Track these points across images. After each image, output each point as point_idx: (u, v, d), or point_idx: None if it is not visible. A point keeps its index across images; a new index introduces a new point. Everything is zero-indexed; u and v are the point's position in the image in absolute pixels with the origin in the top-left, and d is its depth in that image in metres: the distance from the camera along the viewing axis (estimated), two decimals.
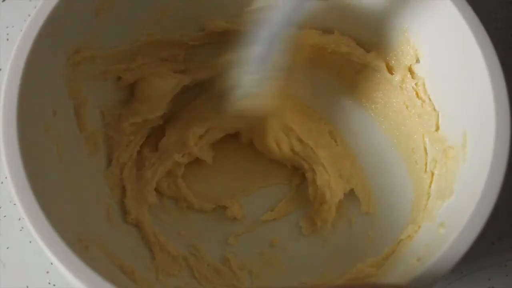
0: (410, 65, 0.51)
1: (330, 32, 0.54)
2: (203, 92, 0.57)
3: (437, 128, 0.49)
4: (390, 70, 0.53)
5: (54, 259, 0.39)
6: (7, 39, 0.61)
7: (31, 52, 0.43)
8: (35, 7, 0.44)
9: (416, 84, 0.51)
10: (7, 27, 0.62)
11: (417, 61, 0.50)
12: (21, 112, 0.42)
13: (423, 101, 0.50)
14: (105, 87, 0.52)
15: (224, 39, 0.55)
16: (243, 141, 0.57)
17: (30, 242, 0.55)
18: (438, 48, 0.48)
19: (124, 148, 0.53)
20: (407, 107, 0.52)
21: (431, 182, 0.49)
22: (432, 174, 0.49)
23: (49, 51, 0.44)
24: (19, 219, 0.56)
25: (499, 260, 0.55)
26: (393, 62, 0.52)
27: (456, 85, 0.46)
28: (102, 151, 0.52)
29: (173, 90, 0.54)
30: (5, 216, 0.56)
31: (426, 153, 0.51)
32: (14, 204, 0.55)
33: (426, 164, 0.50)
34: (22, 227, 0.55)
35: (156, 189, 0.55)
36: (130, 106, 0.54)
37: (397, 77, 0.52)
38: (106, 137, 0.52)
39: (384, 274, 0.46)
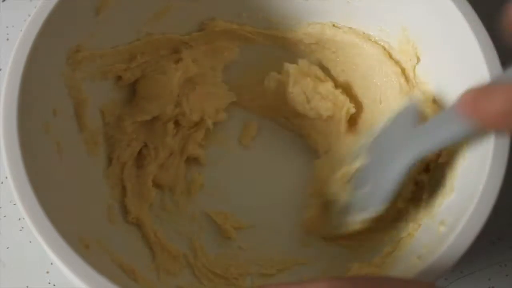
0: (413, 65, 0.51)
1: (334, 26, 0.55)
2: None
3: None
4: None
5: (55, 258, 0.39)
6: (7, 39, 0.61)
7: (31, 51, 0.43)
8: (35, 7, 0.44)
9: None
10: (7, 27, 0.62)
11: (418, 60, 0.51)
12: (21, 112, 0.42)
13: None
14: (105, 86, 0.52)
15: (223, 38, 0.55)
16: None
17: (30, 242, 0.55)
18: (438, 46, 0.48)
19: (124, 148, 0.53)
20: None
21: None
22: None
23: (49, 51, 0.45)
24: (19, 219, 0.56)
25: (499, 260, 0.55)
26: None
27: (456, 84, 0.46)
28: (103, 150, 0.52)
29: (178, 82, 0.54)
30: (5, 216, 0.56)
31: None
32: (14, 204, 0.55)
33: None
34: (22, 227, 0.55)
35: (156, 184, 0.55)
36: (135, 104, 0.54)
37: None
38: (107, 136, 0.52)
39: (385, 272, 0.46)
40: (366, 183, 0.49)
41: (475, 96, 0.38)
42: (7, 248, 0.55)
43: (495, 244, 0.56)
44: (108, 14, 0.48)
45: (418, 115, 0.47)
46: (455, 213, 0.42)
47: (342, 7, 0.53)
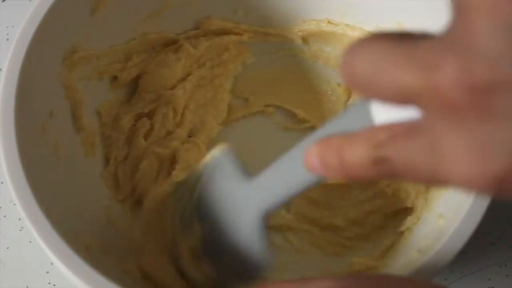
0: None
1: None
2: None
3: None
4: None
5: (55, 259, 0.39)
6: (7, 39, 0.61)
7: (27, 52, 0.43)
8: None
9: None
10: (7, 27, 0.62)
11: None
12: (18, 113, 0.42)
13: None
14: (101, 86, 0.52)
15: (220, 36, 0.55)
16: None
17: (30, 242, 0.55)
18: None
19: (121, 147, 0.53)
20: None
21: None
22: None
23: (46, 52, 0.45)
24: (19, 219, 0.55)
25: (499, 260, 0.55)
26: None
27: None
28: (99, 151, 0.52)
29: (183, 69, 0.54)
30: (5, 216, 0.56)
31: None
32: (14, 204, 0.55)
33: None
34: (22, 227, 0.55)
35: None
36: (135, 100, 0.54)
37: None
38: (104, 137, 0.52)
39: (385, 266, 0.46)
40: None
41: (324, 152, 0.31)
42: (7, 248, 0.55)
43: (495, 244, 0.56)
44: (104, 14, 0.48)
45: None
46: (454, 206, 0.42)
47: (337, 3, 0.53)
